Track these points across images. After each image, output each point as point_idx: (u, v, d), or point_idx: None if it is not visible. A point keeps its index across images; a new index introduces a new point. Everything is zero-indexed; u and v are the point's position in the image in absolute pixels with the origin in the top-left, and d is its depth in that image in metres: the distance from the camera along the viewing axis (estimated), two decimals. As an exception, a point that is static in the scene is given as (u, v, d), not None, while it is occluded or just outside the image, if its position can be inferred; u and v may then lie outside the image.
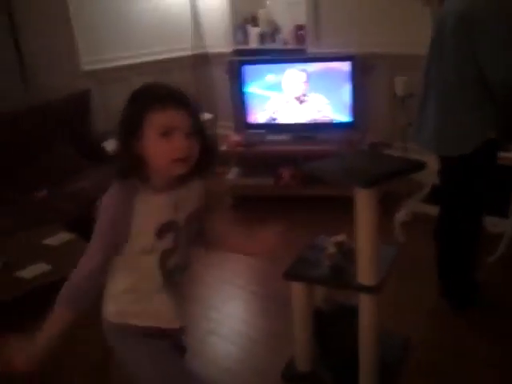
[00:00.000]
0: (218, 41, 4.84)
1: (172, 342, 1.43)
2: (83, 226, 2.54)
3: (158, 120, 1.20)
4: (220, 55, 4.81)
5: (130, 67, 4.45)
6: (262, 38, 4.59)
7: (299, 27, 4.35)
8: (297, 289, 2.01)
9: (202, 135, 1.26)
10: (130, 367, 1.40)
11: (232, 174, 4.08)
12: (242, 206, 3.97)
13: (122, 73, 4.41)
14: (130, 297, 1.35)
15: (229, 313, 2.72)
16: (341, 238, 2.05)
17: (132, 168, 1.22)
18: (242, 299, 2.87)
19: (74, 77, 3.90)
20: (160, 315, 1.38)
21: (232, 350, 2.42)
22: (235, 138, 4.08)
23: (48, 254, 2.28)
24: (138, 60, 4.51)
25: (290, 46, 4.42)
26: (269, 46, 4.53)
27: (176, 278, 1.37)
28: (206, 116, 4.51)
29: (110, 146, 3.67)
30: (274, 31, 4.57)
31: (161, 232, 1.27)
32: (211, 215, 4.35)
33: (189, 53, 4.81)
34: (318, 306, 2.14)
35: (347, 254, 1.98)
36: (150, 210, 1.25)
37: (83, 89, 3.77)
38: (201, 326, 2.59)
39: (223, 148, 4.03)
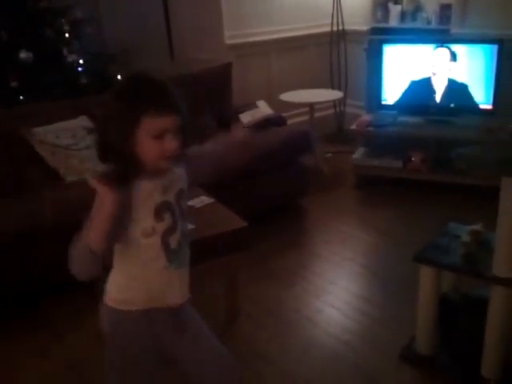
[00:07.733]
0: (356, 18, 4.78)
1: (171, 320, 1.47)
2: (217, 190, 2.74)
3: (152, 124, 1.25)
4: (357, 33, 4.76)
5: (269, 42, 4.59)
6: (403, 16, 4.47)
7: (445, 6, 4.18)
8: (426, 273, 2.02)
9: (184, 131, 1.32)
10: (107, 354, 1.48)
11: (358, 153, 4.08)
12: (365, 186, 3.98)
13: (262, 48, 4.56)
14: (133, 284, 1.41)
15: (348, 289, 2.80)
16: (477, 227, 2.03)
17: (129, 170, 1.29)
18: (363, 277, 2.93)
19: (217, 50, 4.11)
20: (163, 295, 1.43)
21: (350, 324, 2.50)
22: (366, 117, 4.07)
23: (191, 215, 2.49)
24: (277, 36, 4.63)
25: (432, 26, 4.27)
26: (409, 24, 4.40)
27: (180, 257, 1.43)
28: (336, 94, 4.54)
29: (245, 118, 3.85)
30: (416, 9, 4.43)
31: (159, 212, 1.35)
32: (334, 191, 4.38)
33: (326, 29, 4.82)
34: (445, 293, 2.14)
35: (483, 244, 1.96)
36: (144, 195, 1.33)
37: (225, 62, 3.96)
38: (320, 297, 2.71)
39: (352, 127, 4.05)
